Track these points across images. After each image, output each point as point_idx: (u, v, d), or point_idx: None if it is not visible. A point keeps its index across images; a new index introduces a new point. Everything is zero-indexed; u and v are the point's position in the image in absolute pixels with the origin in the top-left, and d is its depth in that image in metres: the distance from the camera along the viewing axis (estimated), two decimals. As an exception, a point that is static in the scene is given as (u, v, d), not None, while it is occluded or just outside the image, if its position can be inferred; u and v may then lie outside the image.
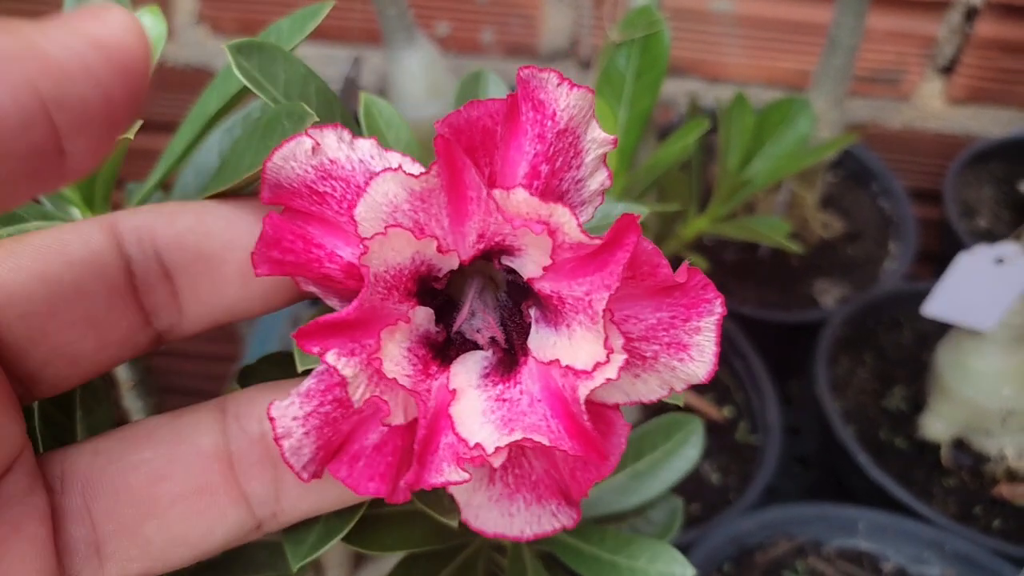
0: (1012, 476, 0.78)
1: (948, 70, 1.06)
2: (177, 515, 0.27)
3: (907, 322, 0.90)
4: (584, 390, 0.24)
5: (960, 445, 0.79)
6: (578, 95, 0.25)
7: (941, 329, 0.80)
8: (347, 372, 0.24)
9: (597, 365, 0.24)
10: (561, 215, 0.24)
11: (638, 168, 0.66)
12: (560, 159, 0.25)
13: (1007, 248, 0.69)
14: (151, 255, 0.28)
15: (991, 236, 0.98)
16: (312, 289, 0.27)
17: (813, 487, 0.94)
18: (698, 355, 0.26)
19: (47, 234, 0.27)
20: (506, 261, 0.26)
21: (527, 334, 0.27)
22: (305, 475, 0.26)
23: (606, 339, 0.24)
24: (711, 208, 0.73)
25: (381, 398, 0.25)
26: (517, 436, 0.25)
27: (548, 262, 0.25)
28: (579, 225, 0.24)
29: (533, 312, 0.27)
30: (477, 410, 0.26)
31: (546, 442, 0.24)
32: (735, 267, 0.94)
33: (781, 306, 0.92)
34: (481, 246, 0.26)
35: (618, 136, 0.66)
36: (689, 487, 0.77)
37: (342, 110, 0.36)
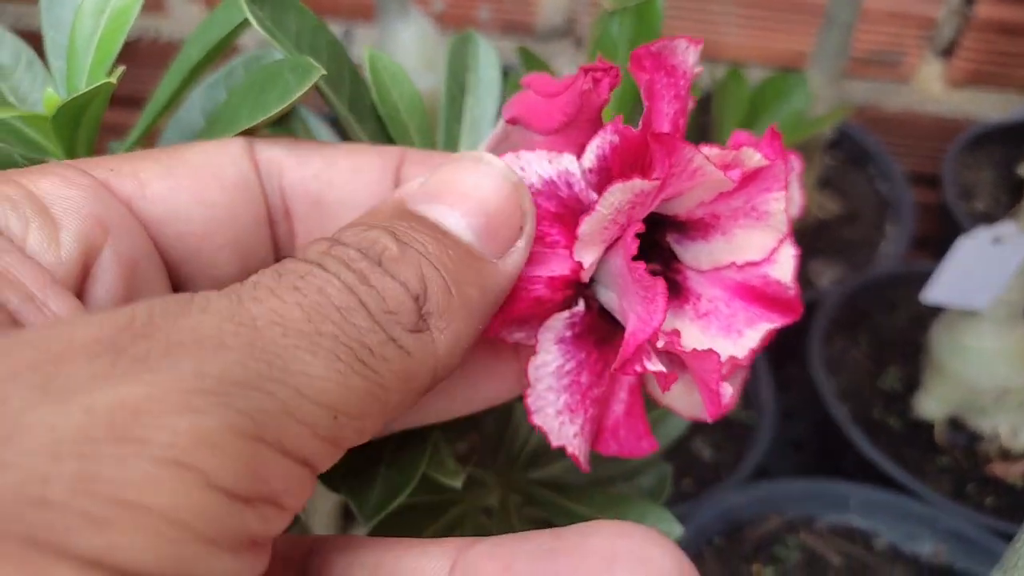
0: (1006, 455, 0.78)
1: (948, 52, 1.05)
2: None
3: (903, 303, 0.89)
4: (771, 271, 0.26)
5: (954, 424, 0.79)
6: (696, 51, 0.26)
7: (937, 310, 0.80)
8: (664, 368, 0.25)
9: (772, 251, 0.26)
10: (749, 155, 0.25)
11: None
12: (687, 104, 0.26)
13: (1005, 227, 0.68)
14: (278, 191, 0.28)
15: (989, 219, 0.97)
16: (518, 335, 0.26)
17: (806, 469, 0.93)
18: (792, 204, 0.28)
19: (199, 152, 0.27)
20: (656, 208, 0.27)
21: (671, 258, 0.28)
22: (588, 467, 0.27)
23: (783, 229, 0.26)
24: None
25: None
26: (752, 336, 0.26)
27: (715, 196, 0.26)
28: (757, 152, 0.25)
29: (672, 237, 0.28)
30: (699, 334, 0.27)
31: (773, 325, 0.26)
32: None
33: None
34: (657, 204, 0.26)
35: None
36: (681, 462, 0.77)
37: (350, 65, 0.35)
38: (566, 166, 0.25)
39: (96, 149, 0.42)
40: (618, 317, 0.26)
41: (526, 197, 0.23)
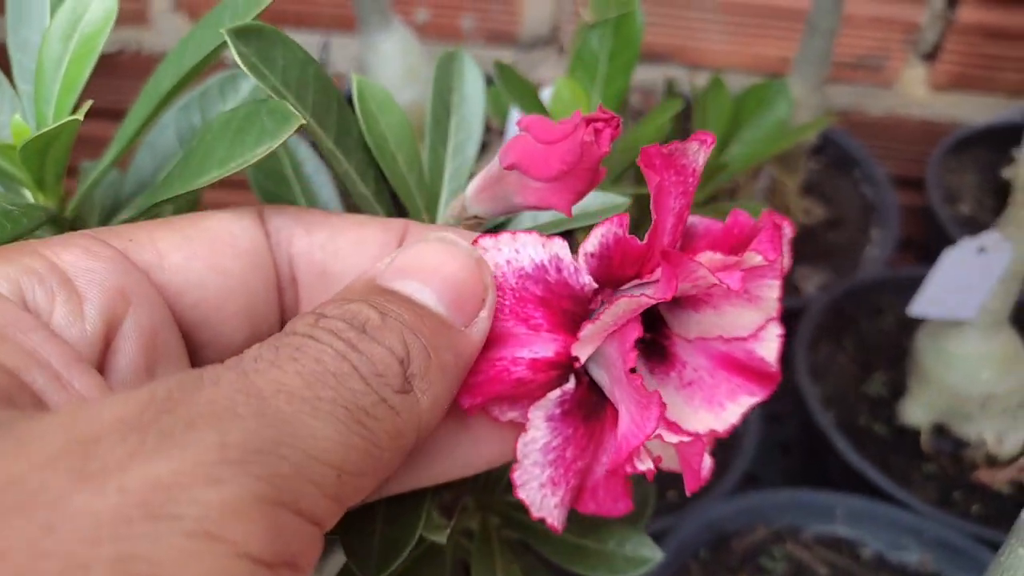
0: (992, 461, 0.78)
1: (931, 56, 1.05)
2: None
3: (888, 308, 0.89)
4: (756, 348, 0.27)
5: (940, 431, 0.79)
6: (704, 148, 0.26)
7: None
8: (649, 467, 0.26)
9: (759, 329, 0.27)
10: (750, 257, 0.25)
11: (614, 150, 0.66)
12: (692, 192, 0.27)
13: (989, 237, 0.68)
14: (286, 259, 0.28)
15: (974, 223, 0.97)
16: (511, 415, 0.27)
17: (794, 475, 0.93)
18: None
19: (214, 222, 0.28)
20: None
21: (660, 323, 0.28)
22: (562, 529, 0.28)
23: (771, 311, 0.27)
24: (688, 193, 0.72)
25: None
26: (734, 409, 0.27)
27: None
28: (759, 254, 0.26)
29: (661, 305, 0.28)
30: (682, 405, 0.28)
31: (755, 399, 0.27)
32: (716, 254, 0.93)
33: (762, 293, 0.91)
34: None
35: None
36: (667, 474, 0.76)
37: (338, 95, 0.35)
38: (556, 251, 0.25)
39: (69, 170, 0.41)
40: (607, 393, 0.26)
41: (487, 272, 0.25)
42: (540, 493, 0.26)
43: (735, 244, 0.27)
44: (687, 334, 0.27)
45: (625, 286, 0.26)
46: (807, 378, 0.80)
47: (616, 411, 0.26)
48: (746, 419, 0.75)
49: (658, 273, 0.24)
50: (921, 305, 0.72)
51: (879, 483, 0.73)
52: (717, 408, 0.27)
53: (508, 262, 0.25)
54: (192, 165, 0.33)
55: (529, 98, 0.60)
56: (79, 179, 0.45)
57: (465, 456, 0.29)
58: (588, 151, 0.25)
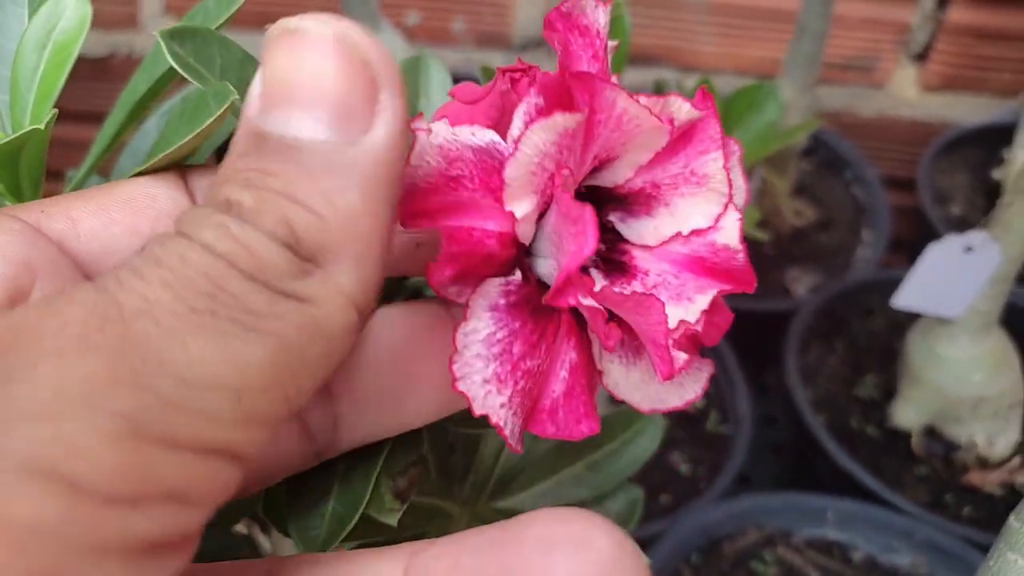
0: (983, 463, 0.78)
1: (922, 57, 1.05)
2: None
3: (879, 310, 0.89)
4: (717, 239, 0.25)
5: (931, 433, 0.79)
6: (605, 9, 0.25)
7: (913, 317, 0.80)
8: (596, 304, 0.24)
9: (718, 218, 0.25)
10: (675, 104, 0.24)
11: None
12: (608, 63, 0.26)
13: (976, 236, 0.68)
14: None
15: (965, 223, 0.97)
16: (452, 289, 0.25)
17: (787, 476, 0.93)
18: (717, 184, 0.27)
19: (132, 186, 0.27)
20: (592, 180, 0.26)
21: (616, 238, 0.27)
22: (520, 448, 0.25)
23: (725, 193, 0.25)
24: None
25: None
26: (702, 300, 0.25)
27: (650, 156, 0.25)
28: (687, 102, 0.25)
29: (616, 216, 0.27)
30: None
31: (725, 287, 0.25)
32: (707, 256, 0.93)
33: (754, 296, 0.91)
34: (589, 168, 0.26)
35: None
36: (659, 478, 0.76)
37: None
38: (491, 137, 0.24)
39: (49, 177, 0.41)
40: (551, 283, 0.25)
41: (379, 63, 0.20)
42: (483, 389, 0.24)
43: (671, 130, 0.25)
44: (645, 243, 0.26)
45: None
46: (797, 380, 0.80)
47: (571, 319, 0.25)
48: (739, 423, 0.75)
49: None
50: (904, 297, 0.72)
51: (870, 486, 0.73)
52: (686, 302, 0.25)
53: (455, 136, 0.24)
54: (156, 153, 0.33)
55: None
56: (64, 185, 0.45)
57: (416, 401, 0.27)
58: (508, 101, 0.24)
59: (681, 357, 0.24)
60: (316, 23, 0.20)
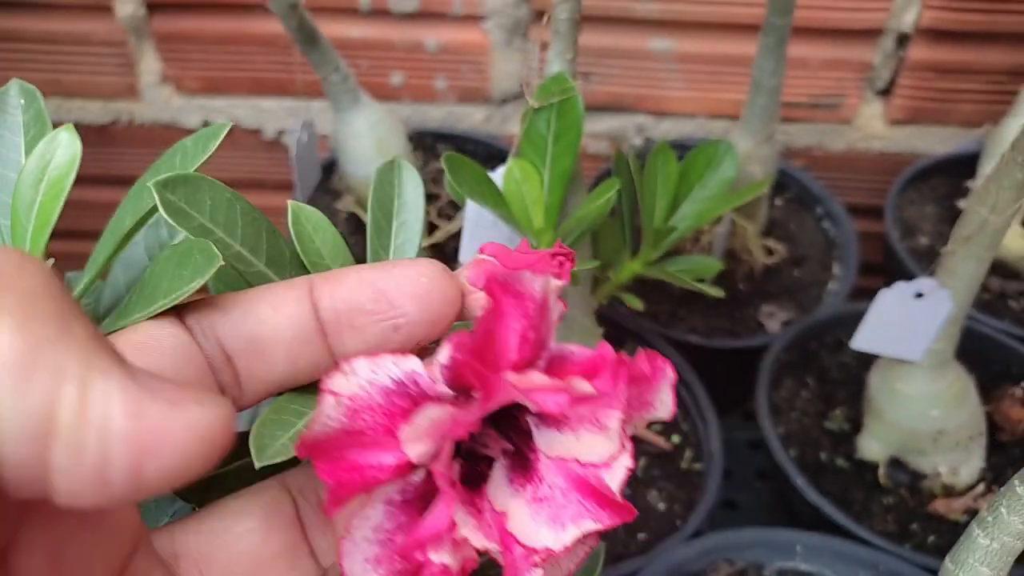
0: (948, 491, 0.81)
1: (886, 92, 1.09)
2: (275, 571, 0.32)
3: (849, 343, 0.93)
4: (605, 476, 0.29)
5: (897, 464, 0.83)
6: (545, 279, 0.29)
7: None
8: (447, 560, 0.27)
9: (612, 458, 0.29)
10: (578, 386, 0.27)
11: (567, 220, 0.70)
12: (541, 323, 0.29)
13: (924, 283, 0.72)
14: (214, 342, 0.33)
15: (932, 254, 1.01)
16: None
17: (770, 503, 0.97)
18: (662, 406, 0.31)
19: (137, 331, 0.32)
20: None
21: (528, 436, 0.30)
22: None
23: (622, 443, 0.29)
24: (642, 254, 0.76)
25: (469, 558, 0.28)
26: (573, 531, 0.29)
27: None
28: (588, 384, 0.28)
29: (531, 419, 0.30)
30: (527, 517, 0.30)
31: (597, 526, 0.29)
32: (683, 296, 0.97)
33: (729, 332, 0.95)
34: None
35: (543, 195, 0.69)
36: (637, 517, 0.80)
37: (268, 225, 0.40)
38: (412, 367, 0.28)
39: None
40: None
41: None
42: (361, 568, 0.28)
43: (596, 373, 0.30)
44: (550, 451, 0.30)
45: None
46: (767, 416, 0.84)
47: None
48: (711, 460, 0.78)
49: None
50: (861, 340, 0.76)
51: (836, 519, 0.76)
52: (559, 528, 0.28)
53: (370, 382, 0.28)
54: (146, 294, 0.38)
55: (483, 183, 0.65)
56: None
57: None
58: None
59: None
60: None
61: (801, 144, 1.13)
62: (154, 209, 0.41)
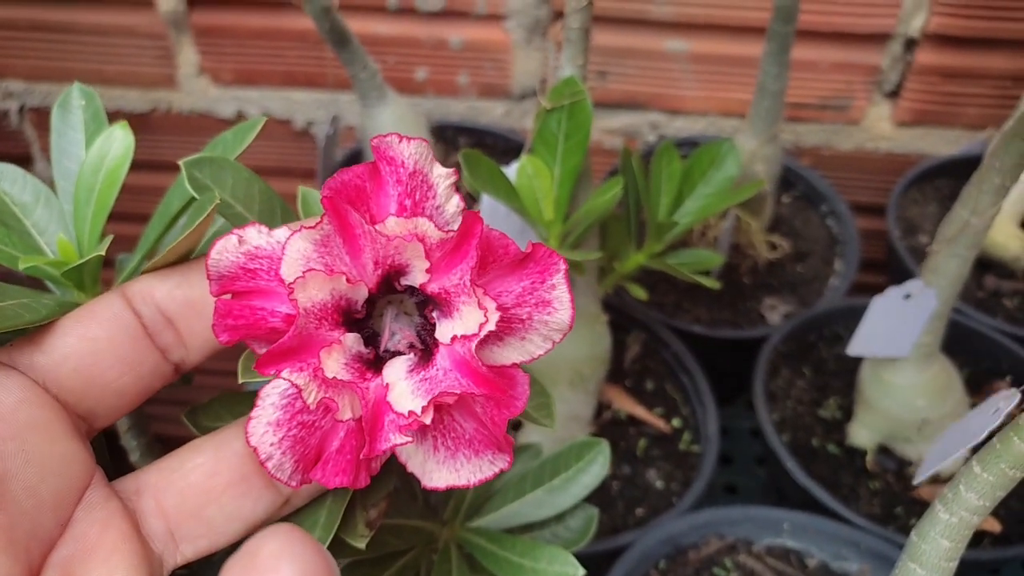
0: (933, 478, 0.86)
1: (894, 95, 1.13)
2: (229, 498, 0.36)
3: (847, 336, 0.97)
4: (475, 344, 0.32)
5: (884, 451, 0.87)
6: (415, 144, 0.33)
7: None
8: (299, 381, 0.32)
9: (481, 325, 0.32)
10: (422, 223, 0.32)
11: (576, 213, 0.75)
12: (418, 193, 0.34)
13: (912, 284, 0.76)
14: (155, 308, 0.38)
15: (932, 252, 1.04)
16: (264, 349, 0.34)
17: (768, 487, 1.02)
18: (560, 306, 0.34)
19: (82, 308, 0.38)
20: (404, 281, 0.34)
21: (433, 331, 0.35)
22: (293, 483, 0.34)
23: (479, 303, 0.32)
24: (646, 246, 0.81)
25: (331, 398, 0.33)
26: (435, 393, 0.33)
27: (427, 264, 0.33)
28: (438, 228, 0.32)
29: (435, 314, 0.34)
30: (408, 391, 0.34)
31: (458, 391, 0.32)
32: (689, 288, 1.02)
33: (731, 323, 1.00)
34: (380, 271, 0.34)
35: (553, 189, 0.74)
36: (636, 493, 0.85)
37: (281, 203, 0.45)
38: (284, 237, 0.34)
39: (105, 259, 0.52)
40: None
41: None
42: (262, 429, 0.33)
43: (506, 261, 0.33)
44: (443, 340, 0.33)
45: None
46: (763, 403, 0.89)
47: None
48: (708, 442, 0.83)
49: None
50: (856, 346, 0.80)
51: (823, 500, 0.81)
52: (428, 395, 0.33)
53: (276, 240, 0.33)
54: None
55: (497, 178, 0.70)
56: (116, 271, 0.56)
57: None
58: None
59: (387, 444, 0.32)
60: None
61: (810, 143, 1.17)
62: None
